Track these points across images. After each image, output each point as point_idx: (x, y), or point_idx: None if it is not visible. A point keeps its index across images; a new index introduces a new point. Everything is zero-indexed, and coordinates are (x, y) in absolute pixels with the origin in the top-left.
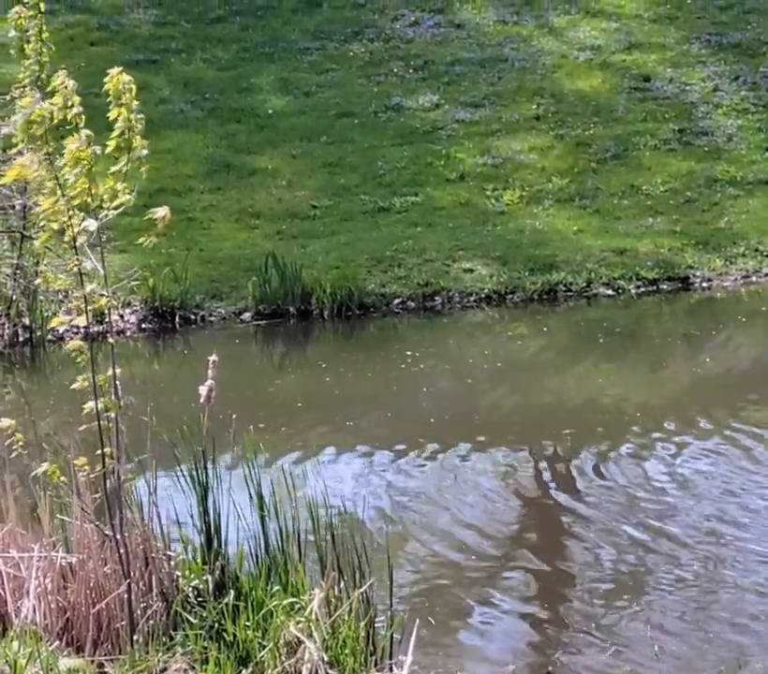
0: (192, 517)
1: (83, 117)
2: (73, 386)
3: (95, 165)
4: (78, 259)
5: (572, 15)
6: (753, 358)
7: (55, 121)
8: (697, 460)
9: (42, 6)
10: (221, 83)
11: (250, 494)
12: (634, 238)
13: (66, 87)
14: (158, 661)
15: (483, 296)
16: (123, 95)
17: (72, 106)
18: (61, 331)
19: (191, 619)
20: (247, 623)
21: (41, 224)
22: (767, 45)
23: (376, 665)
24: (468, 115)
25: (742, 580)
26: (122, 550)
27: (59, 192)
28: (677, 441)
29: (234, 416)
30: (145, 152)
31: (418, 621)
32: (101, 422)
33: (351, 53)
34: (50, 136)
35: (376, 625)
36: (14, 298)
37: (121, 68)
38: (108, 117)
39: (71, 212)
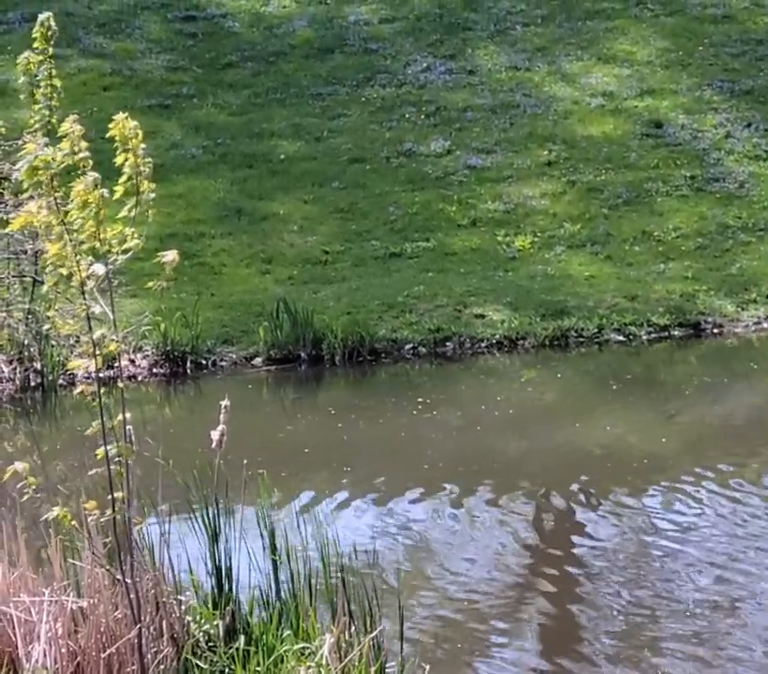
0: (203, 561)
1: (91, 162)
2: (87, 431)
3: (102, 208)
4: (85, 304)
5: (585, 61)
6: (765, 407)
7: (63, 165)
8: (707, 509)
9: (51, 50)
10: (233, 128)
11: (261, 538)
12: (646, 284)
13: (73, 132)
14: None
15: (495, 342)
16: (129, 141)
17: (79, 151)
18: (74, 376)
19: (201, 664)
20: (258, 669)
21: (49, 269)
22: None
23: None
24: (480, 161)
25: (753, 638)
26: (132, 595)
27: (66, 237)
28: (688, 491)
29: (245, 461)
30: (153, 195)
31: (428, 667)
32: (112, 467)
33: (363, 99)
34: (56, 181)
35: (386, 671)
36: (26, 342)
37: (126, 114)
38: (115, 162)
39: (78, 257)
